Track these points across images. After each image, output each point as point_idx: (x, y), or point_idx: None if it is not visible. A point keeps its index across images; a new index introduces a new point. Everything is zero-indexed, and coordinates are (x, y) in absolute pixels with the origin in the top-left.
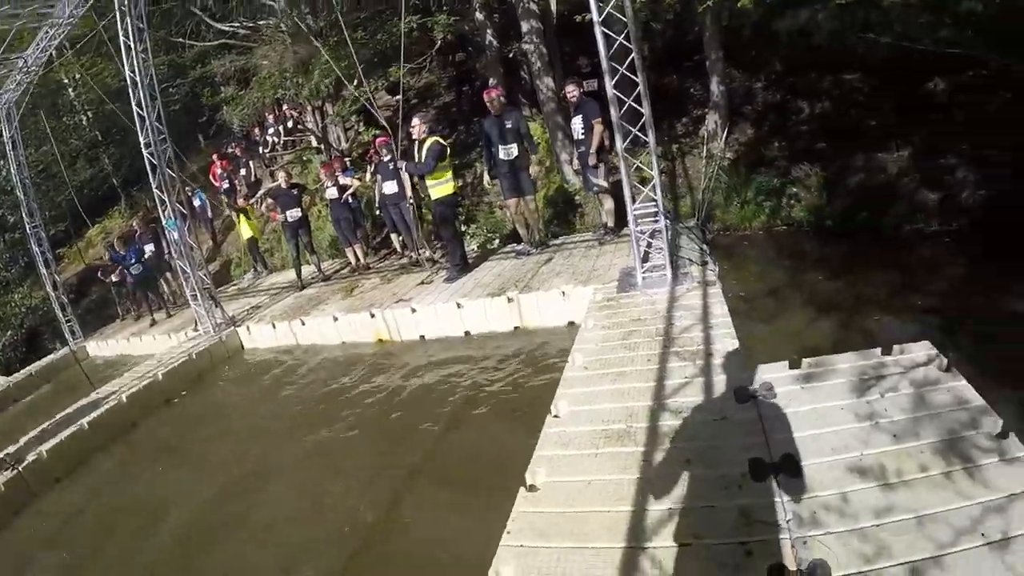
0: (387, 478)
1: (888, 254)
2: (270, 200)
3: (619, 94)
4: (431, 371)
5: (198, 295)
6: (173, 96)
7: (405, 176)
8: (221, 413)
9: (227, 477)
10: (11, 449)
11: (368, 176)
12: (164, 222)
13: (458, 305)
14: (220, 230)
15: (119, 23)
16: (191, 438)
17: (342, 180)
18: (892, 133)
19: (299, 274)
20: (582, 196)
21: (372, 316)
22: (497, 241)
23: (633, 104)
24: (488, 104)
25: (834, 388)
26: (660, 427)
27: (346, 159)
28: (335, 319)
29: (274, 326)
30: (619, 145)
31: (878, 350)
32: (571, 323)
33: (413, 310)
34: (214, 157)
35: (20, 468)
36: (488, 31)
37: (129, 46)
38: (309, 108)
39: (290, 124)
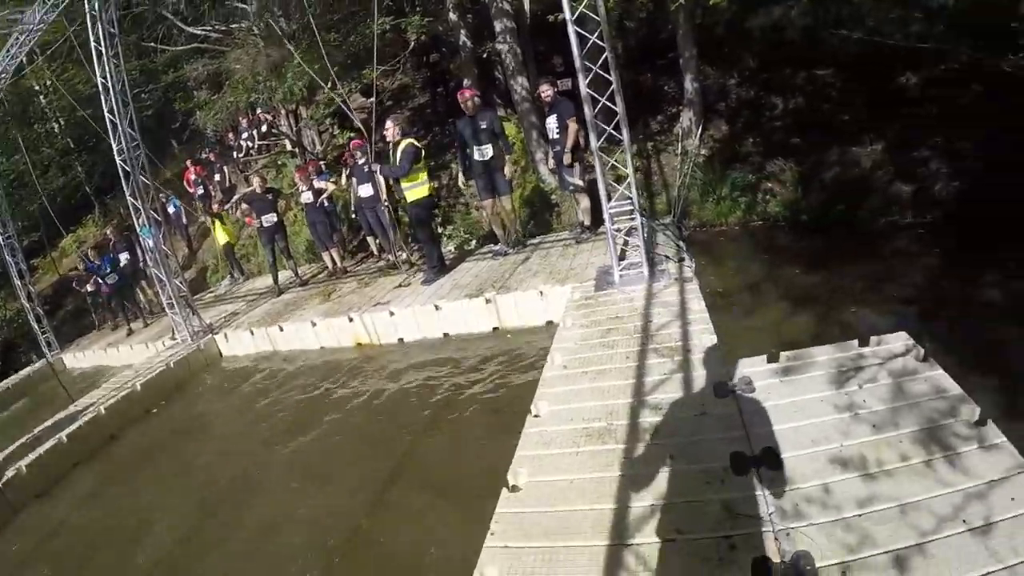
0: (371, 484)
1: (863, 247)
2: (245, 205)
3: (593, 93)
4: (411, 374)
5: (175, 303)
6: (146, 102)
7: (380, 179)
8: (202, 423)
9: (210, 489)
10: None
11: (343, 179)
12: (138, 230)
13: (436, 307)
14: (195, 237)
15: (90, 28)
16: (172, 450)
17: (317, 184)
18: (865, 127)
19: (276, 279)
20: (558, 195)
21: (350, 320)
22: (474, 242)
23: (607, 103)
24: (462, 105)
25: (813, 380)
26: (641, 424)
27: (321, 162)
28: (313, 324)
29: (252, 333)
30: (594, 144)
31: (855, 342)
32: (550, 322)
33: (391, 313)
34: (188, 163)
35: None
36: (462, 31)
37: (100, 51)
38: (283, 112)
39: (264, 128)
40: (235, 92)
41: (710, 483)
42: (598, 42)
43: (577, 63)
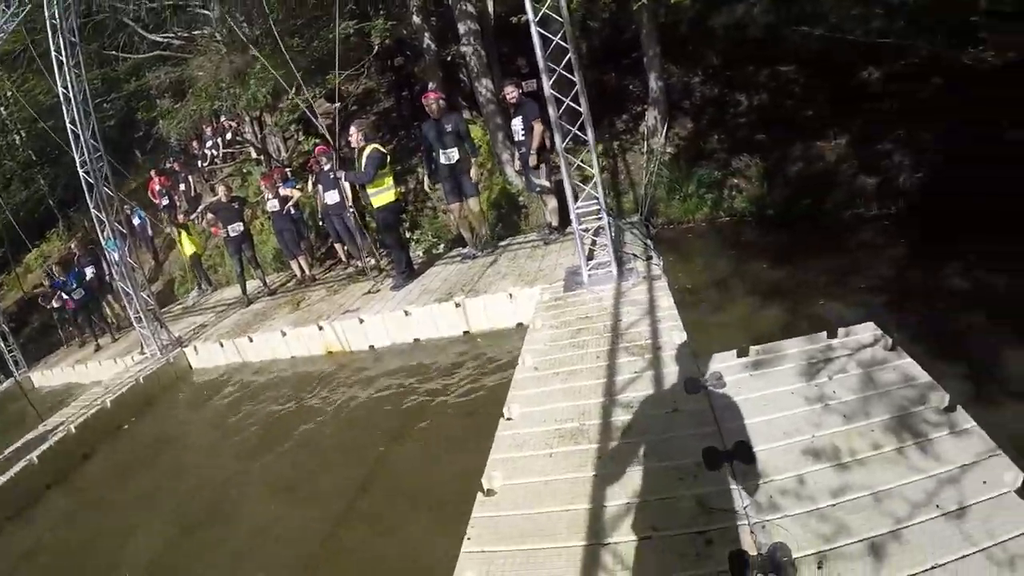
0: (346, 493)
1: (829, 240)
2: (211, 215)
3: (557, 94)
4: (383, 381)
5: (142, 317)
6: (108, 111)
7: (346, 185)
8: (174, 439)
9: (186, 506)
10: None
11: (309, 186)
12: (103, 243)
13: (406, 313)
14: (161, 248)
15: (50, 38)
16: (146, 467)
17: (282, 191)
18: (829, 122)
19: (244, 289)
20: (525, 197)
21: (320, 329)
22: (442, 246)
23: (571, 103)
24: (427, 108)
25: (783, 373)
26: (613, 423)
27: (286, 169)
28: (283, 334)
29: (222, 344)
30: (559, 144)
31: (824, 334)
32: (520, 324)
33: (361, 320)
34: (152, 173)
35: None
36: (426, 34)
37: (61, 61)
38: (247, 119)
39: (229, 136)
40: (198, 100)
41: (683, 479)
42: (561, 43)
43: (540, 64)
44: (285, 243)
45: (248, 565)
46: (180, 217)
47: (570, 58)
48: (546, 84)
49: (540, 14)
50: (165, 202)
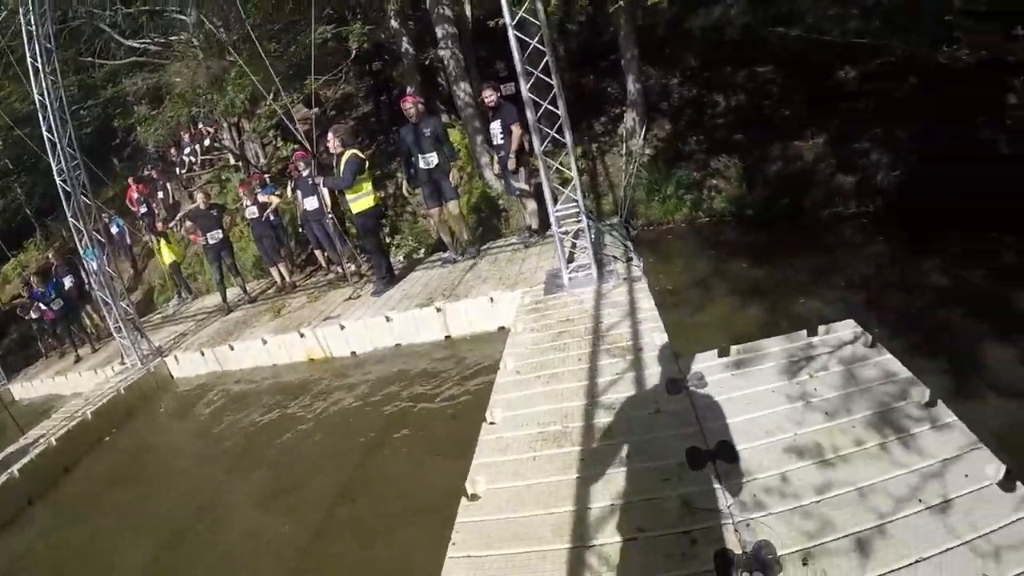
0: (331, 501)
1: (809, 239)
2: (189, 222)
3: (535, 97)
4: (365, 387)
5: (122, 327)
6: (85, 119)
7: (325, 191)
8: (156, 451)
9: (171, 519)
10: None
11: (288, 192)
12: (81, 252)
13: (387, 318)
14: (140, 257)
15: (26, 44)
16: (129, 481)
17: (261, 198)
18: (806, 122)
19: (224, 297)
20: (505, 200)
21: (302, 336)
22: (423, 251)
23: (549, 106)
24: (405, 112)
25: (764, 372)
26: (596, 425)
27: (265, 175)
28: (264, 342)
29: (203, 353)
30: (537, 147)
31: (804, 332)
32: (501, 328)
33: (342, 327)
34: (130, 181)
35: None
36: (404, 38)
37: (37, 68)
38: (225, 125)
39: (207, 142)
40: (176, 106)
41: (668, 480)
42: (539, 46)
43: (518, 67)
44: (265, 250)
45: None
46: (159, 225)
47: (547, 61)
48: (524, 87)
49: (517, 18)
50: (143, 210)
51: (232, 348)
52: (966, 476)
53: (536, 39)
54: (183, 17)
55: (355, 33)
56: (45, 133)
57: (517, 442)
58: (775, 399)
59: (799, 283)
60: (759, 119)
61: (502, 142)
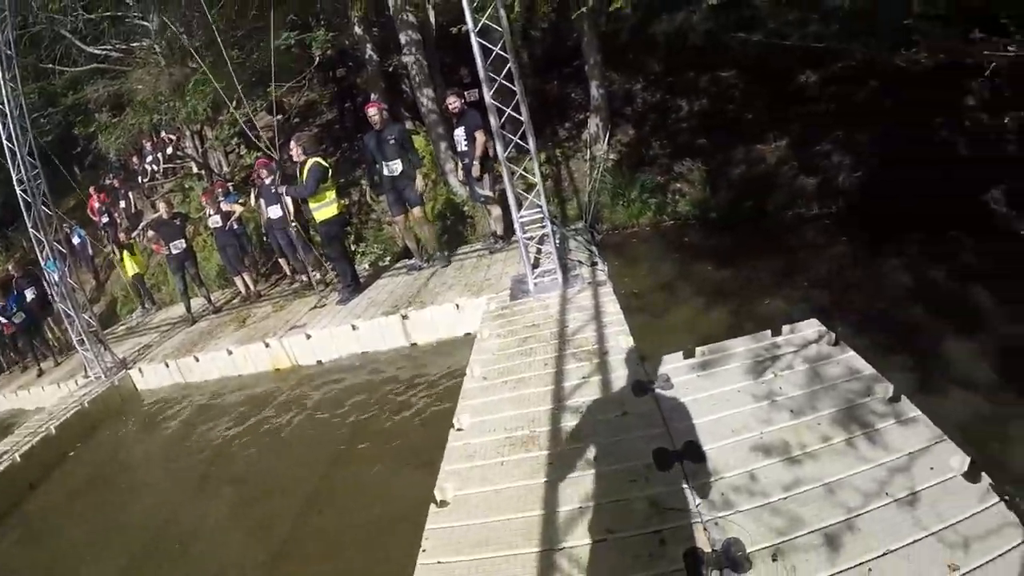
0: (301, 510)
1: (772, 240)
2: (152, 232)
3: (498, 103)
4: (332, 396)
5: (85, 339)
6: (45, 127)
7: (288, 199)
8: (122, 467)
9: (138, 537)
10: None
11: (252, 200)
12: (43, 264)
13: (353, 327)
14: (102, 267)
15: None
16: (95, 498)
17: (224, 206)
18: (768, 126)
19: (188, 308)
20: (470, 207)
21: (267, 346)
22: (388, 259)
23: (513, 112)
24: (370, 119)
25: (730, 373)
26: (563, 428)
27: (229, 184)
28: (230, 352)
29: (167, 365)
30: (501, 153)
31: (769, 332)
32: (467, 334)
33: (308, 336)
34: (91, 190)
35: None
36: (368, 45)
37: None
38: (188, 133)
39: (169, 151)
40: (137, 114)
41: (635, 481)
42: (502, 53)
43: (481, 74)
44: (228, 259)
45: None
46: (122, 235)
47: (510, 67)
48: (487, 94)
49: (480, 24)
50: (105, 220)
51: (197, 359)
52: (931, 469)
53: (499, 46)
54: (145, 23)
55: (319, 40)
56: (4, 142)
57: (485, 448)
58: (741, 399)
59: (763, 284)
60: (722, 123)
61: (466, 148)
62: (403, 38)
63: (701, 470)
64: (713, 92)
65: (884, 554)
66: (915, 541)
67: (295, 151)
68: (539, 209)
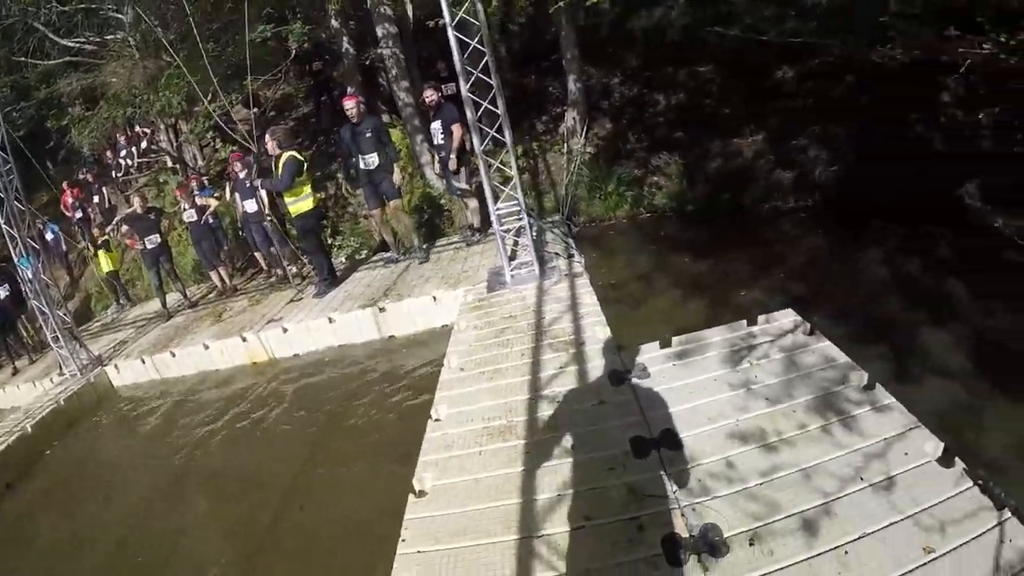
0: (280, 506)
1: (749, 233)
2: (126, 227)
3: (474, 97)
4: (310, 389)
5: (59, 336)
6: (17, 120)
7: (264, 193)
8: (101, 463)
9: (117, 536)
10: None
11: (227, 194)
12: (16, 260)
13: (330, 320)
14: (76, 263)
15: None
16: (72, 494)
17: (199, 200)
18: (745, 120)
19: (164, 303)
20: (447, 200)
21: (244, 340)
22: (365, 252)
23: (489, 106)
24: (347, 112)
25: (706, 362)
26: (540, 418)
27: (203, 178)
28: (206, 347)
29: (143, 361)
30: (478, 146)
31: (744, 321)
32: (444, 326)
33: (285, 329)
34: (65, 185)
35: None
36: (344, 38)
37: None
38: (162, 127)
39: (143, 145)
40: (111, 107)
41: (613, 468)
42: (479, 47)
43: (458, 67)
44: (204, 253)
45: None
46: (96, 231)
47: (487, 61)
48: (463, 87)
49: (457, 18)
50: (79, 215)
51: (174, 355)
52: (906, 454)
53: (476, 39)
54: (119, 15)
55: (295, 32)
56: None
57: (463, 438)
58: (718, 387)
59: (740, 276)
60: (699, 117)
61: (443, 142)
62: (380, 31)
63: (678, 457)
64: (691, 87)
65: (860, 537)
66: (891, 524)
67: (270, 145)
68: (516, 202)
